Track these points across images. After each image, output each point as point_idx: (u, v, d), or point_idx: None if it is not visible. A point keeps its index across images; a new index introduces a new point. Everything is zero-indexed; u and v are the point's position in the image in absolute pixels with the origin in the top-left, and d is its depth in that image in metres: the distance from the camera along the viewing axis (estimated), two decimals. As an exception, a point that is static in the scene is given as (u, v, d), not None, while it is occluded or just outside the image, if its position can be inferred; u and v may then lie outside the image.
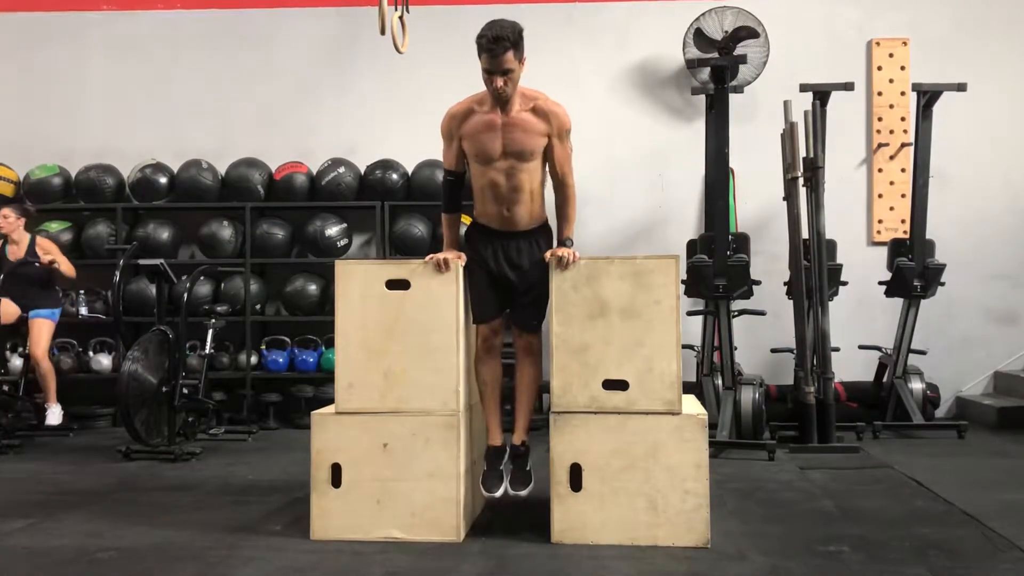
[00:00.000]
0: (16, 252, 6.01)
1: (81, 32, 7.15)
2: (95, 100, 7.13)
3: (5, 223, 5.97)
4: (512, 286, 3.60)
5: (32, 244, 6.03)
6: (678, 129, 6.84)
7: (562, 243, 3.59)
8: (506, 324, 3.73)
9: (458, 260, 3.54)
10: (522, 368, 3.69)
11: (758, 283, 5.77)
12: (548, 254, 3.52)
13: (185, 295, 5.67)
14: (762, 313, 5.79)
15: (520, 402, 3.69)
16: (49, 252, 6.01)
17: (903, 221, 6.55)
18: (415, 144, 6.52)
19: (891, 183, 6.73)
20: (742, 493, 4.24)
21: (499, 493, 3.57)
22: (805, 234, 5.57)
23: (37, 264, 5.91)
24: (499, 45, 3.30)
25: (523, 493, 3.57)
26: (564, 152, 3.53)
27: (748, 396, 5.39)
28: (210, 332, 5.91)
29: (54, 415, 5.99)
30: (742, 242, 5.78)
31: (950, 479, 4.45)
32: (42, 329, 5.98)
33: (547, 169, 3.58)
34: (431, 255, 3.53)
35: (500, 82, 3.36)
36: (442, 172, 3.73)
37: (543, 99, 3.50)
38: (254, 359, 6.58)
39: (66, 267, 6.02)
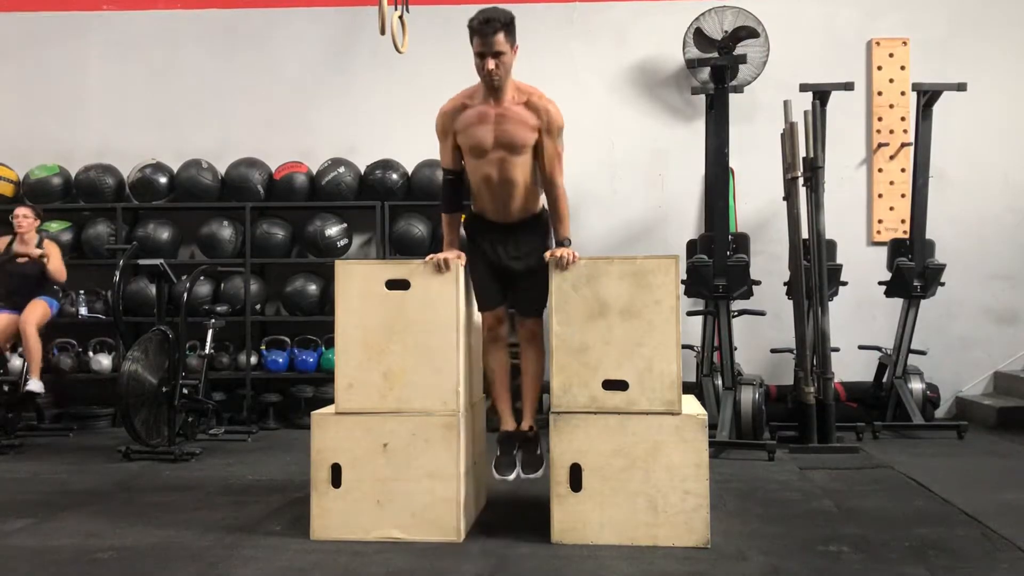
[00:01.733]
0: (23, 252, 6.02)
1: (81, 32, 7.15)
2: (95, 100, 7.13)
3: (25, 222, 6.01)
4: (511, 273, 3.66)
5: (38, 246, 6.04)
6: (678, 129, 6.84)
7: (560, 243, 3.62)
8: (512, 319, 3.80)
9: (458, 260, 3.55)
10: (525, 355, 3.73)
11: (758, 283, 5.77)
12: (548, 254, 3.53)
13: (185, 295, 5.67)
14: (762, 313, 5.79)
15: (526, 389, 3.74)
16: (48, 252, 6.01)
17: (903, 221, 6.55)
18: (415, 144, 6.52)
19: (891, 183, 6.74)
20: (742, 493, 4.24)
21: (511, 477, 3.58)
22: (805, 234, 5.57)
23: (20, 259, 5.90)
24: (489, 25, 3.35)
25: (536, 475, 3.57)
26: (554, 150, 3.55)
27: (748, 396, 5.39)
28: (210, 332, 5.91)
29: (35, 384, 5.83)
30: (742, 242, 5.79)
31: (950, 479, 4.45)
32: (38, 306, 5.93)
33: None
34: (431, 255, 3.54)
35: (491, 64, 3.37)
36: (441, 172, 3.75)
37: (537, 94, 3.52)
38: (254, 359, 6.57)
39: (55, 265, 5.97)
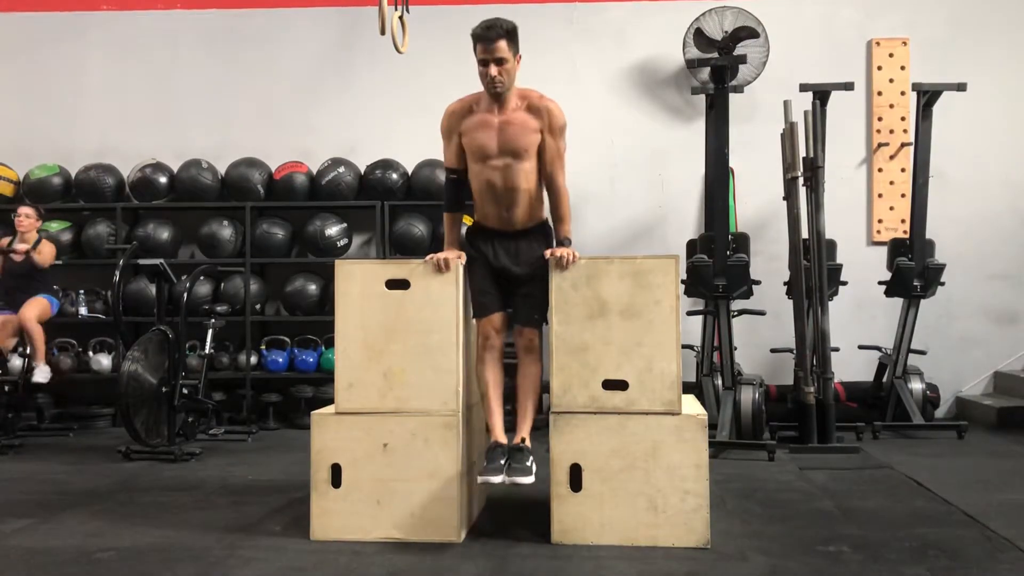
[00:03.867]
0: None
1: (81, 32, 7.15)
2: (95, 100, 7.14)
3: (26, 222, 6.04)
4: (512, 280, 3.60)
5: (36, 246, 6.04)
6: (678, 129, 6.84)
7: (560, 243, 3.60)
8: (509, 326, 3.70)
9: (458, 260, 3.53)
10: (523, 367, 3.63)
11: (758, 283, 5.78)
12: (547, 253, 3.51)
13: (185, 295, 5.67)
14: (762, 313, 5.79)
15: (521, 402, 3.61)
16: (40, 252, 6.01)
17: (903, 221, 6.55)
18: (415, 144, 6.53)
19: (891, 183, 6.74)
20: (742, 493, 4.24)
21: (497, 480, 3.37)
22: (805, 234, 5.57)
23: (21, 256, 5.91)
24: (492, 31, 3.38)
25: (523, 481, 3.34)
26: (556, 149, 3.53)
27: (748, 396, 5.39)
28: (210, 332, 5.91)
29: (42, 373, 5.89)
30: (742, 242, 5.79)
31: (950, 479, 4.45)
32: (38, 301, 5.96)
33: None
34: (431, 255, 3.52)
35: (494, 70, 3.38)
36: (442, 172, 3.76)
37: (536, 95, 3.52)
38: (254, 359, 6.58)
39: (43, 257, 5.99)
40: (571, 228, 3.69)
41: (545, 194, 3.65)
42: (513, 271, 3.59)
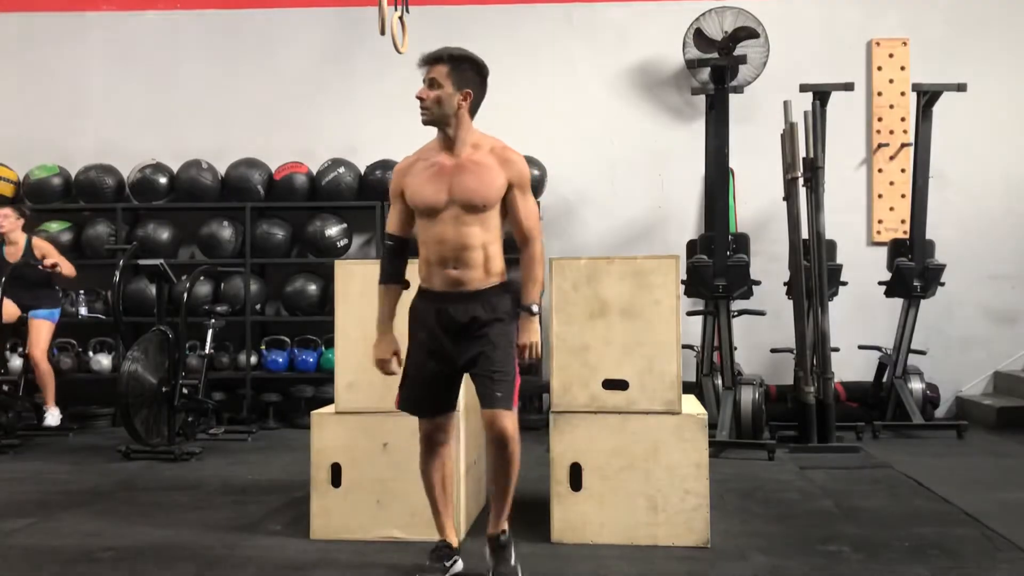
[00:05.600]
0: (13, 253, 6.02)
1: (81, 32, 7.15)
2: (95, 100, 7.13)
3: (5, 222, 6.00)
4: (468, 353, 2.92)
5: (28, 245, 6.04)
6: (678, 129, 6.83)
7: (526, 308, 2.97)
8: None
9: (394, 361, 3.04)
10: (496, 463, 2.94)
11: (758, 283, 5.77)
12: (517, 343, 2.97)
13: (185, 295, 5.67)
14: (762, 313, 5.79)
15: (498, 488, 2.99)
16: (47, 253, 6.02)
17: (903, 221, 6.55)
18: (415, 144, 6.33)
19: (891, 183, 6.74)
20: (742, 493, 4.24)
21: None
22: (805, 234, 5.57)
23: (40, 267, 5.92)
24: (434, 53, 2.94)
25: None
26: (528, 206, 2.98)
27: (748, 396, 5.39)
28: (210, 332, 5.91)
29: (52, 417, 6.00)
30: (742, 242, 5.79)
31: (950, 479, 4.45)
32: (41, 330, 5.99)
33: (505, 225, 3.02)
34: (377, 355, 3.04)
35: (423, 92, 2.93)
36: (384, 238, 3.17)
37: (501, 145, 3.00)
38: (254, 359, 6.57)
39: (67, 269, 6.04)
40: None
41: (499, 254, 3.00)
42: (467, 345, 2.91)
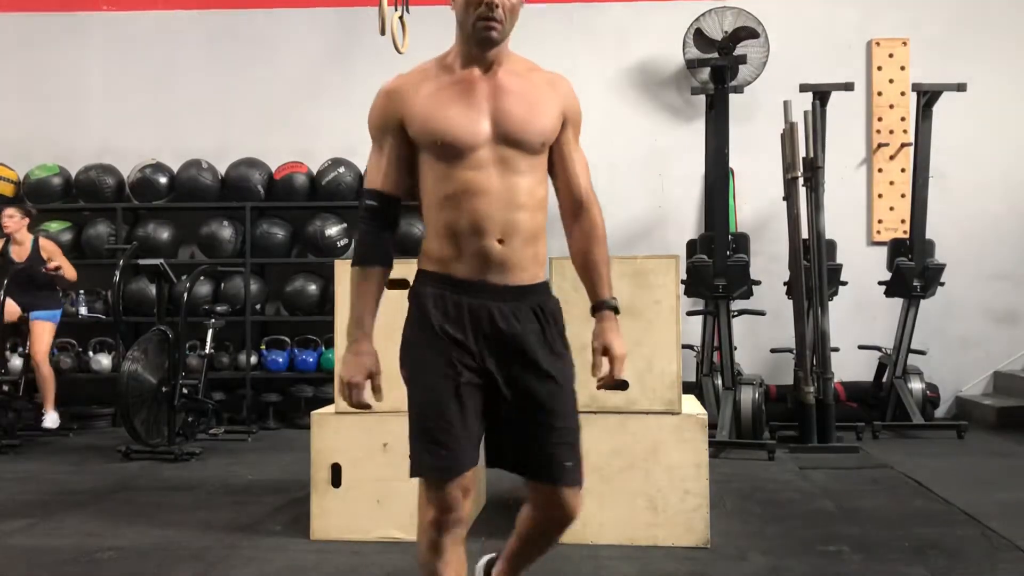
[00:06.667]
0: (19, 252, 6.02)
1: (81, 32, 7.15)
2: (95, 100, 7.13)
3: (11, 222, 6.00)
4: (519, 394, 2.04)
5: (36, 245, 6.04)
6: (678, 129, 6.84)
7: (601, 304, 2.24)
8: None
9: (366, 386, 2.13)
10: (544, 541, 2.32)
11: (758, 283, 5.78)
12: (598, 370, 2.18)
13: (185, 295, 5.67)
14: (762, 313, 5.79)
15: (525, 558, 2.36)
16: (52, 254, 6.03)
17: (903, 221, 6.55)
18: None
19: (891, 183, 6.73)
20: (742, 493, 4.24)
21: None
22: (805, 234, 5.57)
23: (43, 269, 5.92)
24: None
25: None
26: (582, 153, 2.21)
27: (748, 396, 5.39)
28: (210, 332, 5.91)
29: (51, 419, 5.97)
30: (742, 242, 5.79)
31: (950, 479, 4.45)
32: (43, 331, 5.98)
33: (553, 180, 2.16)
34: (345, 375, 2.12)
35: None
36: (364, 197, 2.13)
37: (545, 70, 2.17)
38: (254, 359, 6.57)
39: (69, 272, 6.04)
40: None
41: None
42: (508, 333, 2.03)
